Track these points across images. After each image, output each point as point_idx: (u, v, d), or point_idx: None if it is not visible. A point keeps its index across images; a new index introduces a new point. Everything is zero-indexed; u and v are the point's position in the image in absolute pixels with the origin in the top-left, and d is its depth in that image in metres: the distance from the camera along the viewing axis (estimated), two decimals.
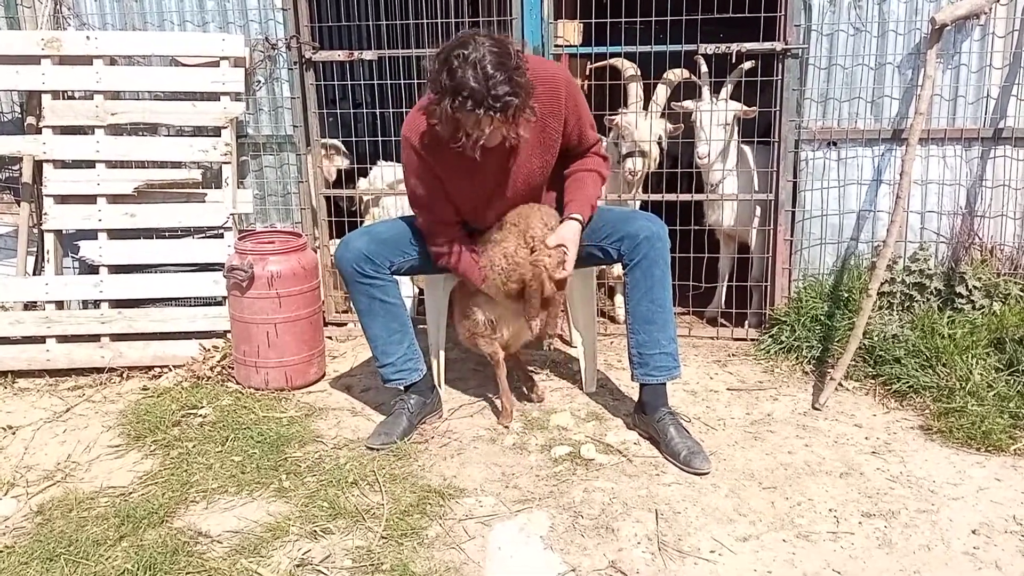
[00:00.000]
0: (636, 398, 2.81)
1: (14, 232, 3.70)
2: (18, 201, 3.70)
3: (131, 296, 3.50)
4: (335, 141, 4.00)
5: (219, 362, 3.32)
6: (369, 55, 3.55)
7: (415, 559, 2.13)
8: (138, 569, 2.09)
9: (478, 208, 2.68)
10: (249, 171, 3.79)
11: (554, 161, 2.65)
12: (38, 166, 3.58)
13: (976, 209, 3.34)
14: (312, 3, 3.58)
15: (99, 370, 3.37)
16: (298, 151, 3.69)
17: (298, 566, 2.12)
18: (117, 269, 3.54)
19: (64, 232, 3.63)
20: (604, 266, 3.44)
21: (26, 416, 3.04)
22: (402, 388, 2.84)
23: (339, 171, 4.04)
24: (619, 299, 3.82)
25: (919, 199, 3.36)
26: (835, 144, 3.38)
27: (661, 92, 3.47)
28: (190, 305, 3.57)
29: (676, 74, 3.45)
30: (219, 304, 3.47)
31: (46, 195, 3.54)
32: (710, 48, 3.33)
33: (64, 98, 3.64)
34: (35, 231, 3.66)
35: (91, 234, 3.55)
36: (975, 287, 3.22)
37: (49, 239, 3.56)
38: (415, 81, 3.46)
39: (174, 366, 3.36)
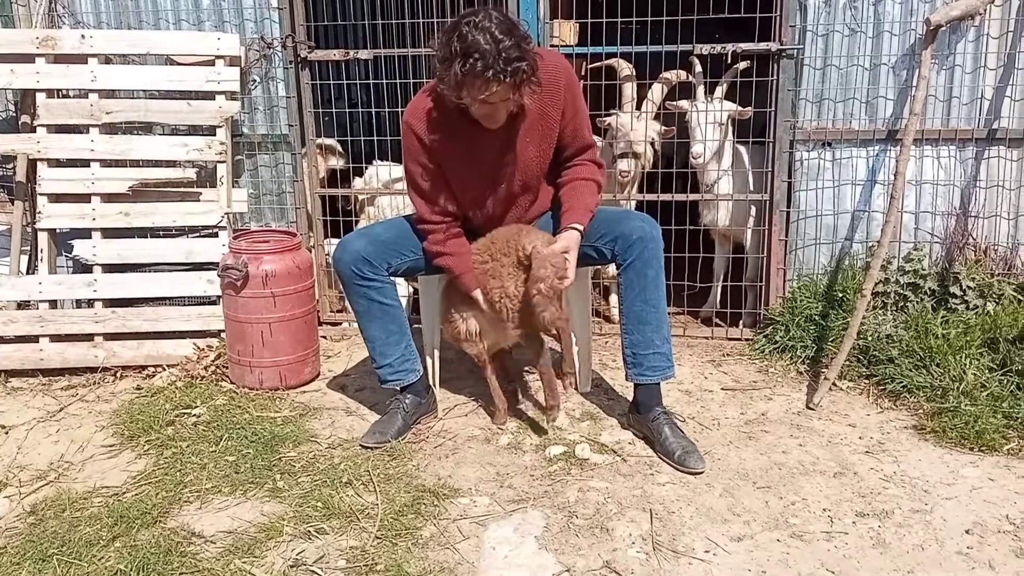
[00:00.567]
0: (631, 398, 2.81)
1: (7, 231, 3.69)
2: (12, 200, 3.69)
3: (125, 295, 3.49)
4: (332, 141, 3.99)
5: (213, 362, 3.31)
6: (365, 54, 3.55)
7: (409, 559, 2.12)
8: (131, 569, 2.08)
9: (476, 198, 2.67)
10: (244, 170, 3.78)
11: (550, 156, 2.65)
12: (32, 165, 3.57)
13: (970, 209, 3.35)
14: (308, 2, 3.57)
15: (93, 369, 3.36)
16: (293, 150, 3.69)
17: (292, 566, 2.11)
18: (111, 268, 3.53)
19: (58, 231, 3.62)
20: (599, 266, 3.44)
21: (19, 416, 3.03)
22: (398, 389, 2.84)
23: (333, 171, 4.03)
24: (614, 299, 3.81)
25: (913, 199, 3.37)
26: (830, 144, 3.38)
27: (657, 93, 3.47)
28: (184, 304, 3.56)
29: (674, 75, 3.45)
30: (213, 303, 3.46)
31: (40, 194, 3.53)
32: (705, 48, 3.33)
33: (59, 96, 3.63)
34: (29, 230, 3.66)
35: (85, 233, 3.54)
36: (969, 287, 3.23)
37: (43, 238, 3.55)
38: (411, 80, 3.46)
39: (168, 365, 3.36)
